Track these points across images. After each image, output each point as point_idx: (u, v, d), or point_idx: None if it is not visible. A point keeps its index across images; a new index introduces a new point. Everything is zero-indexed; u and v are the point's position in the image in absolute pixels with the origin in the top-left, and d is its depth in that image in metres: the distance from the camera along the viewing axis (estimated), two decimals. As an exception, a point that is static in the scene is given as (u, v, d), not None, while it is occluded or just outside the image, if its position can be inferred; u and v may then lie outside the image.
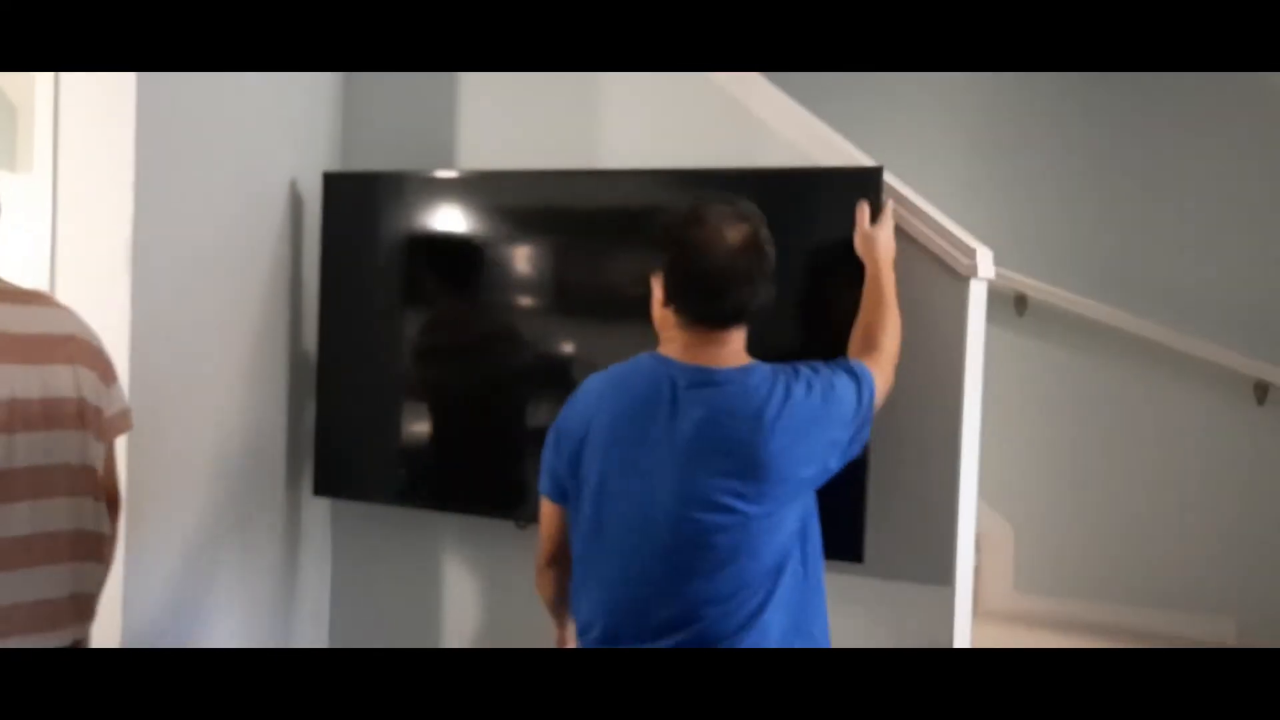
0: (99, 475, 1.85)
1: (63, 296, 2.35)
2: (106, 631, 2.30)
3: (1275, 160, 3.55)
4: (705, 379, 1.71)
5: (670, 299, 1.74)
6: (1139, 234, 3.62)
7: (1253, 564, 3.25)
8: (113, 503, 1.91)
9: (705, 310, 1.72)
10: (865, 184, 2.19)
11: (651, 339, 2.25)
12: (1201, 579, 3.26)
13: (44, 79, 2.47)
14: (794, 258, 2.31)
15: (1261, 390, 3.25)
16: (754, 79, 2.46)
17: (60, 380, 1.76)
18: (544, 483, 1.86)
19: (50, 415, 1.75)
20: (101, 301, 2.30)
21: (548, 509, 1.88)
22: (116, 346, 2.28)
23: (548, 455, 1.85)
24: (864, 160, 2.32)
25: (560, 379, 2.58)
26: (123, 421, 1.92)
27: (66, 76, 2.40)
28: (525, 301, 2.64)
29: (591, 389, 1.83)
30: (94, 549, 1.83)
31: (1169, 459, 3.29)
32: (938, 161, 3.68)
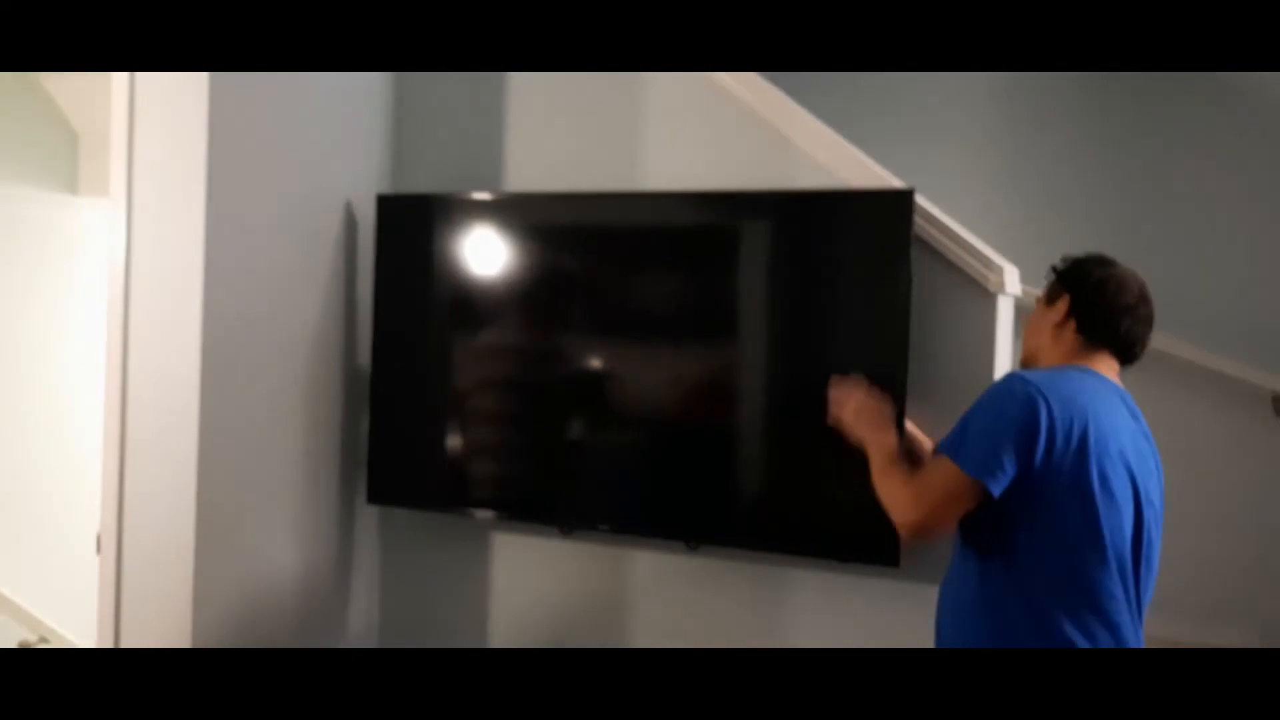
0: None
1: (137, 314, 2.49)
2: (179, 629, 2.43)
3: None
4: (1130, 401, 1.98)
5: (1087, 326, 1.97)
6: (1158, 249, 3.71)
7: (1276, 571, 3.32)
8: None
9: (1119, 343, 1.97)
10: (897, 206, 2.30)
11: (685, 354, 2.36)
12: (1225, 588, 3.33)
13: (119, 110, 2.60)
14: (828, 277, 2.44)
15: (1279, 402, 3.33)
16: (788, 104, 2.57)
17: None
18: (990, 476, 1.81)
19: None
20: (174, 320, 2.43)
21: (963, 482, 1.84)
22: (188, 362, 2.42)
23: (1020, 441, 1.81)
24: (894, 182, 2.43)
25: (601, 393, 2.70)
26: None
27: (141, 106, 2.53)
28: (567, 318, 2.74)
29: (1050, 392, 1.85)
30: None
31: (1188, 471, 3.37)
32: (967, 182, 3.79)
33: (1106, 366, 1.97)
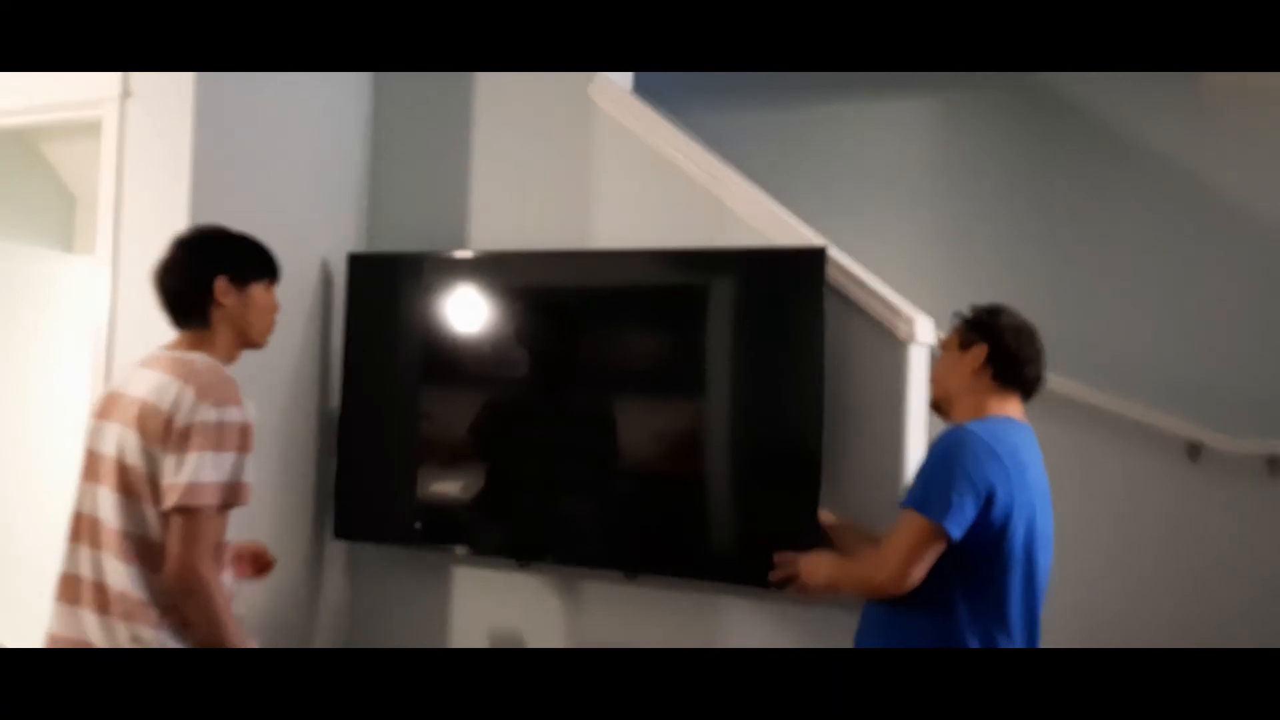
0: (124, 534, 1.89)
1: (120, 362, 2.68)
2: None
3: (1199, 231, 3.91)
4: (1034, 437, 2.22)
5: (1003, 373, 2.18)
6: (1076, 304, 3.96)
7: (1194, 612, 3.49)
8: (172, 577, 1.86)
9: (1027, 386, 2.21)
10: (810, 262, 2.52)
11: (644, 403, 2.55)
12: (1144, 631, 3.47)
13: (108, 172, 2.82)
14: (750, 328, 2.65)
15: (1194, 450, 3.53)
16: (723, 169, 2.81)
17: (106, 436, 1.97)
18: (952, 520, 2.00)
19: (90, 468, 1.98)
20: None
21: (935, 537, 2.03)
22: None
23: (968, 504, 2.02)
24: (813, 240, 2.66)
25: (552, 436, 2.90)
26: (174, 494, 1.86)
27: (129, 169, 2.75)
28: (521, 368, 2.96)
29: (999, 448, 2.08)
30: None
31: (1107, 518, 3.55)
32: (896, 245, 4.06)
33: (1015, 408, 2.21)
